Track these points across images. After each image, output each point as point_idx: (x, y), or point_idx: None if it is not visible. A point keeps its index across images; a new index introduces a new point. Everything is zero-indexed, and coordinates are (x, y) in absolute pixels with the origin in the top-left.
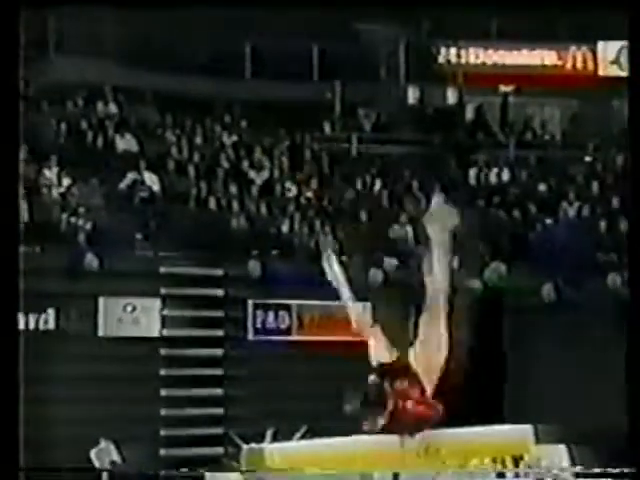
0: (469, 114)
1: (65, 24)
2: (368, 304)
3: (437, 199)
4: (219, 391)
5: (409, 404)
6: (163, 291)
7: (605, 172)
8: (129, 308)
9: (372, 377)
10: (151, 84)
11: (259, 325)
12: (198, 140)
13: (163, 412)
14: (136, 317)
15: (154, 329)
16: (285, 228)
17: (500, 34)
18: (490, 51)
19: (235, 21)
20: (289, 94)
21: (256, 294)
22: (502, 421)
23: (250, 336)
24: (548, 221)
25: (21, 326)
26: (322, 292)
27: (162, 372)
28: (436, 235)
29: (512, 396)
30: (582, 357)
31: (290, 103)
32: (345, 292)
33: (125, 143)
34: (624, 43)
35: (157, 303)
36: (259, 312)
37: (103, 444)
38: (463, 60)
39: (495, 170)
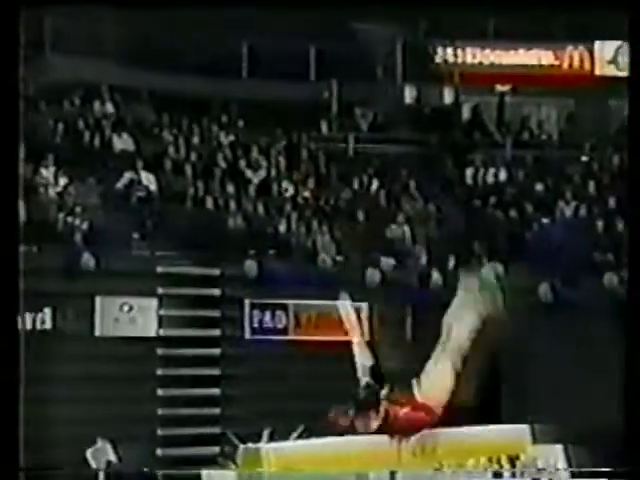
0: (466, 114)
1: (62, 23)
2: (365, 305)
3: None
4: (216, 391)
5: (403, 410)
6: (160, 291)
7: (602, 172)
8: (126, 308)
9: (364, 381)
10: (148, 83)
11: (256, 325)
12: (195, 140)
13: (160, 412)
14: (133, 317)
15: (151, 329)
16: (282, 228)
17: (497, 34)
18: (487, 51)
19: (232, 21)
20: (286, 94)
21: (253, 294)
22: (499, 421)
23: (247, 336)
24: (545, 221)
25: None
26: (319, 292)
27: (159, 372)
28: (478, 304)
29: (509, 396)
30: (579, 357)
31: (287, 103)
32: (356, 334)
33: (122, 142)
34: (621, 43)
35: (154, 303)
36: (256, 312)
37: (100, 444)
38: (460, 60)
39: (492, 170)
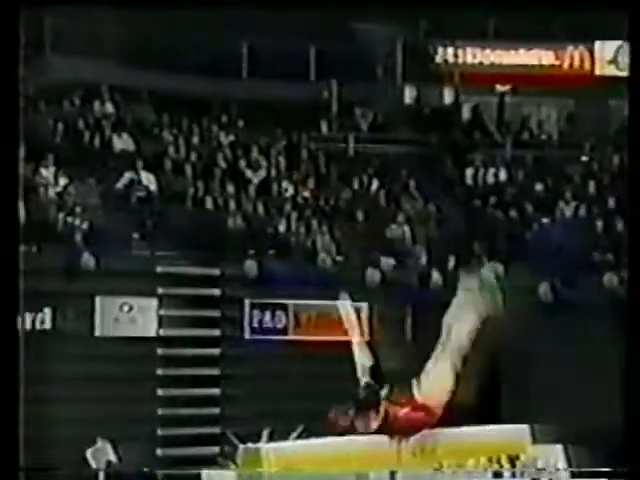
0: (466, 114)
1: (62, 23)
2: (365, 305)
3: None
4: (216, 391)
5: (403, 410)
6: (160, 291)
7: (602, 172)
8: (126, 308)
9: (363, 382)
10: (148, 83)
11: (256, 325)
12: (195, 140)
13: (160, 412)
14: (133, 317)
15: (151, 329)
16: (282, 228)
17: (497, 34)
18: (487, 51)
19: (232, 21)
20: (286, 94)
21: (253, 294)
22: (499, 421)
23: (247, 336)
24: (545, 221)
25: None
26: (319, 292)
27: (159, 372)
28: (478, 304)
29: (508, 396)
30: (578, 357)
31: (287, 103)
32: (355, 334)
33: (122, 142)
34: (621, 43)
35: (154, 303)
36: (256, 312)
37: (100, 444)
38: (460, 60)
39: (492, 170)
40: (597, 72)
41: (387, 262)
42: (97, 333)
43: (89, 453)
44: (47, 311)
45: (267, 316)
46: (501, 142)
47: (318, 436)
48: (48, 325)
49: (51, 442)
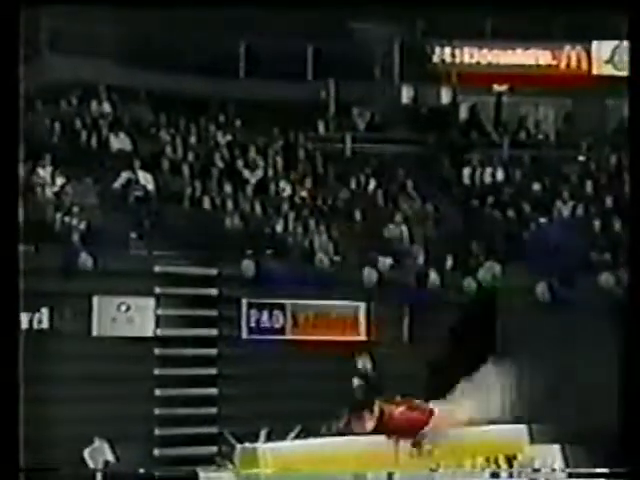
0: (463, 113)
1: (59, 23)
2: (362, 304)
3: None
4: (213, 390)
5: (399, 409)
6: (157, 290)
7: (599, 171)
8: (123, 307)
9: (357, 381)
10: (145, 83)
11: (253, 324)
12: (192, 139)
13: (157, 411)
14: (130, 316)
15: (148, 328)
16: (279, 227)
17: (494, 34)
18: (484, 51)
19: (229, 21)
20: (283, 93)
21: (250, 293)
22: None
23: (244, 335)
24: (542, 220)
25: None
26: (316, 291)
27: (156, 371)
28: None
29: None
30: (576, 356)
31: (284, 102)
32: None
33: (119, 142)
34: (618, 43)
35: (151, 302)
36: (253, 311)
37: (97, 443)
38: (457, 60)
39: (489, 169)
40: (594, 72)
41: (385, 262)
42: (94, 333)
43: (86, 453)
44: (44, 311)
45: (264, 316)
46: (498, 142)
47: (316, 436)
48: (46, 325)
49: (48, 442)
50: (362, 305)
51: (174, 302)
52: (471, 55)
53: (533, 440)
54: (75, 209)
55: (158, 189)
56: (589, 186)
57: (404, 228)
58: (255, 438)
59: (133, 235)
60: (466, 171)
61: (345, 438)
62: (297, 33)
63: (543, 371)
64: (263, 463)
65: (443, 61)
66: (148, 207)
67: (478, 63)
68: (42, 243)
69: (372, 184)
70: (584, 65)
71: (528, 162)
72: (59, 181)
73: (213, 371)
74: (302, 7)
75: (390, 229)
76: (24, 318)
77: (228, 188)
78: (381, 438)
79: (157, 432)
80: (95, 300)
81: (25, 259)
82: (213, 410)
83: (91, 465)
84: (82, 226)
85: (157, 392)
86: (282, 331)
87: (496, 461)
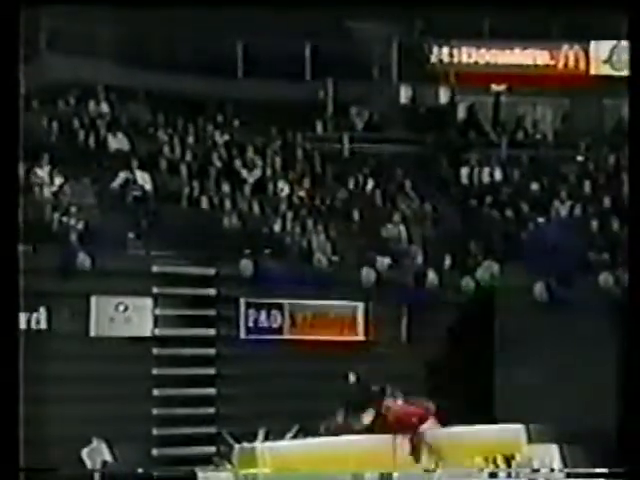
0: (461, 113)
1: (57, 23)
2: (360, 304)
3: None
4: (211, 390)
5: (397, 402)
6: (155, 290)
7: (597, 171)
8: (121, 307)
9: (352, 378)
10: (143, 83)
11: (251, 324)
12: (190, 139)
13: (155, 411)
14: (128, 316)
15: (146, 328)
16: (277, 227)
17: (492, 33)
18: (482, 50)
19: (227, 20)
20: (281, 93)
21: (248, 293)
22: (494, 421)
23: (242, 335)
24: (540, 220)
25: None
26: (314, 291)
27: (154, 371)
28: None
29: (504, 395)
30: (574, 356)
31: (282, 102)
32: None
33: (117, 142)
34: (616, 43)
35: (149, 302)
36: (251, 311)
37: (95, 443)
38: (455, 59)
39: (487, 169)
40: (592, 72)
41: (383, 262)
42: (92, 333)
43: (84, 453)
44: (42, 311)
45: (262, 316)
46: (496, 142)
47: (314, 436)
48: (43, 325)
49: (46, 442)
50: (360, 305)
51: (172, 302)
52: (469, 55)
53: (531, 440)
54: (73, 209)
55: (156, 189)
56: (587, 186)
57: (402, 228)
58: (253, 438)
59: (131, 235)
60: (464, 171)
61: (343, 438)
62: (295, 33)
63: (541, 371)
64: (261, 463)
65: (441, 61)
66: (146, 207)
67: (476, 63)
68: (40, 243)
69: (370, 184)
70: (582, 65)
71: (526, 162)
72: (57, 181)
73: (211, 371)
74: (301, 7)
75: (388, 229)
76: (22, 318)
77: (226, 188)
78: (380, 438)
79: (155, 432)
80: (93, 300)
81: (23, 259)
82: (211, 410)
83: (89, 465)
84: (80, 226)
85: (155, 392)
86: (280, 331)
87: (494, 461)
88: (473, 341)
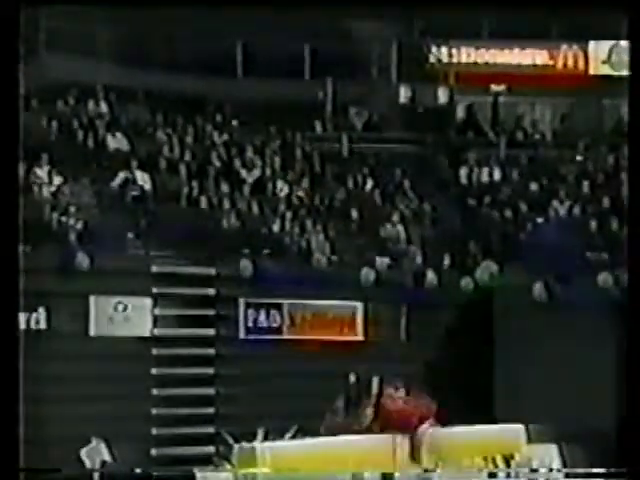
0: (460, 113)
1: (56, 23)
2: (359, 304)
3: None
4: (210, 390)
5: (397, 396)
6: (154, 290)
7: (596, 171)
8: (120, 307)
9: (352, 378)
10: (142, 83)
11: (250, 324)
12: (189, 139)
13: (154, 411)
14: (127, 316)
15: (145, 328)
16: (276, 227)
17: (491, 33)
18: (481, 50)
19: (227, 20)
20: (280, 93)
21: (247, 293)
22: (494, 420)
23: (241, 335)
24: (539, 220)
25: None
26: (313, 291)
27: (153, 371)
28: None
29: (503, 395)
30: (573, 356)
31: (281, 102)
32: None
33: (116, 142)
34: (615, 42)
35: (148, 302)
36: (250, 311)
37: (94, 443)
38: (454, 59)
39: (486, 169)
40: (591, 72)
41: (382, 262)
42: (92, 332)
43: (83, 452)
44: (41, 311)
45: (262, 315)
46: (495, 142)
47: (313, 436)
48: (43, 325)
49: (45, 441)
50: (359, 305)
51: (171, 302)
52: (468, 55)
53: (530, 439)
54: (72, 209)
55: (155, 189)
56: (586, 186)
57: (401, 228)
58: (252, 438)
59: (130, 235)
60: (463, 171)
61: (343, 438)
62: (295, 33)
63: (540, 370)
64: (261, 462)
65: (440, 61)
66: (145, 207)
67: (475, 63)
68: (39, 243)
69: (369, 184)
70: (581, 65)
71: (525, 162)
72: (56, 181)
73: (210, 371)
74: (300, 7)
75: (387, 229)
76: (21, 318)
77: (225, 188)
78: (379, 438)
79: (154, 432)
80: (92, 300)
81: (22, 259)
82: (210, 410)
83: (88, 465)
84: (79, 226)
85: (154, 392)
86: (279, 331)
87: (494, 461)
88: (472, 341)
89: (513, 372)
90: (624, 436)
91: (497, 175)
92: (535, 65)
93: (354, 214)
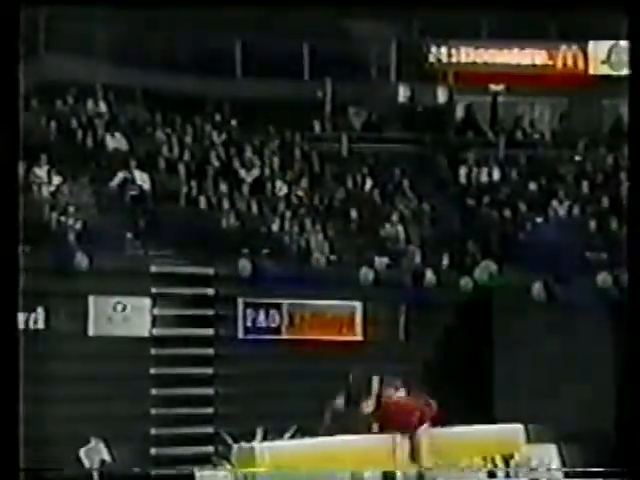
0: (459, 113)
1: (55, 22)
2: (359, 304)
3: None
4: (209, 390)
5: (397, 394)
6: (153, 290)
7: (595, 171)
8: (119, 307)
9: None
10: (141, 83)
11: (249, 324)
12: (188, 139)
13: (153, 411)
14: (126, 316)
15: (144, 328)
16: (275, 227)
17: (491, 33)
18: (480, 50)
19: (225, 20)
20: (279, 93)
21: (246, 293)
22: (493, 420)
23: (240, 335)
24: (538, 220)
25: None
26: (312, 291)
27: (152, 371)
28: None
29: (502, 395)
30: (572, 356)
31: (281, 102)
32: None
33: (115, 142)
34: (615, 42)
35: (147, 302)
36: (249, 311)
37: (93, 443)
38: (454, 59)
39: (485, 169)
40: (591, 72)
41: (381, 261)
42: (90, 332)
43: (82, 452)
44: (40, 311)
45: (261, 315)
46: (494, 141)
47: (312, 435)
48: (41, 325)
49: (44, 441)
50: (358, 305)
51: (170, 302)
52: (467, 55)
53: (529, 439)
54: (71, 209)
55: (154, 188)
56: (585, 186)
57: (400, 228)
58: (251, 437)
59: (129, 235)
60: (462, 170)
61: (342, 437)
62: (294, 32)
63: (539, 370)
64: (260, 462)
65: (439, 61)
66: (144, 206)
67: (474, 63)
68: (38, 243)
69: (368, 183)
70: (580, 65)
71: (524, 162)
72: (55, 180)
73: (209, 371)
74: (299, 7)
75: (386, 228)
76: (20, 318)
77: (224, 187)
78: (379, 437)
79: (153, 432)
80: (91, 300)
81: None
82: (209, 410)
83: (87, 465)
84: (78, 226)
85: (153, 392)
86: (278, 331)
87: (493, 460)
88: (471, 341)
89: (512, 372)
90: (624, 436)
91: (496, 175)
92: (534, 65)
93: (353, 214)
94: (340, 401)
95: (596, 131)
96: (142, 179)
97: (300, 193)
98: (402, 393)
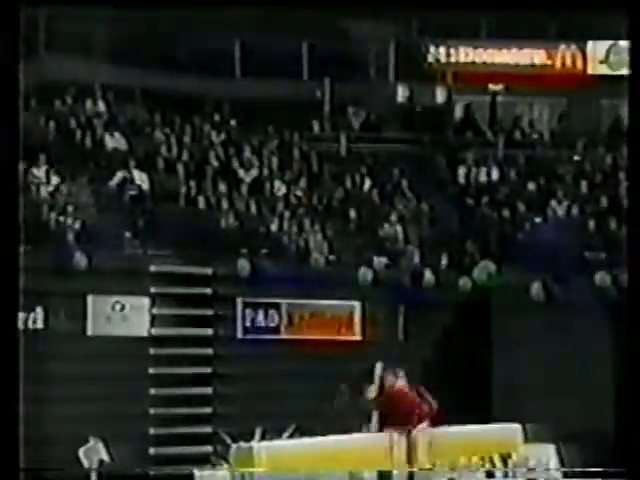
0: (458, 113)
1: (55, 22)
2: (357, 304)
3: None
4: (208, 390)
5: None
6: (152, 290)
7: (594, 171)
8: (118, 307)
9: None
10: (140, 82)
11: (248, 324)
12: (187, 139)
13: (152, 411)
14: (125, 316)
15: (143, 328)
16: (274, 227)
17: (489, 33)
18: (479, 50)
19: (225, 20)
20: (278, 93)
21: (245, 293)
22: (491, 420)
23: (239, 335)
24: (537, 220)
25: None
26: (311, 291)
27: (151, 371)
28: None
29: (501, 395)
30: (571, 355)
31: (279, 102)
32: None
33: (114, 141)
34: (613, 42)
35: (146, 302)
36: (248, 311)
37: (92, 443)
38: (452, 59)
39: (484, 169)
40: (589, 72)
41: (380, 261)
42: (89, 332)
43: (81, 452)
44: (39, 310)
45: (260, 315)
46: (493, 141)
47: (311, 435)
48: (40, 324)
49: (43, 441)
50: (357, 305)
51: (169, 301)
52: (466, 54)
53: (527, 439)
54: (70, 208)
55: (153, 188)
56: (584, 186)
57: (399, 227)
58: (250, 437)
59: (128, 234)
60: (461, 170)
61: (341, 437)
62: (293, 32)
63: (538, 370)
64: (258, 462)
65: (438, 60)
66: (143, 206)
67: (473, 62)
68: (37, 242)
69: (367, 183)
70: (579, 65)
71: (523, 161)
72: (54, 180)
73: (208, 370)
74: (298, 6)
75: (385, 228)
76: (19, 318)
77: (223, 187)
78: (377, 437)
79: (152, 431)
80: (90, 299)
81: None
82: (208, 409)
83: (86, 464)
84: (77, 225)
85: (152, 391)
86: (277, 330)
87: (491, 460)
88: (470, 341)
89: (511, 372)
90: (622, 436)
91: (495, 175)
92: (533, 65)
93: (352, 214)
94: (345, 390)
95: (595, 131)
96: (141, 179)
97: (299, 193)
98: (402, 381)
